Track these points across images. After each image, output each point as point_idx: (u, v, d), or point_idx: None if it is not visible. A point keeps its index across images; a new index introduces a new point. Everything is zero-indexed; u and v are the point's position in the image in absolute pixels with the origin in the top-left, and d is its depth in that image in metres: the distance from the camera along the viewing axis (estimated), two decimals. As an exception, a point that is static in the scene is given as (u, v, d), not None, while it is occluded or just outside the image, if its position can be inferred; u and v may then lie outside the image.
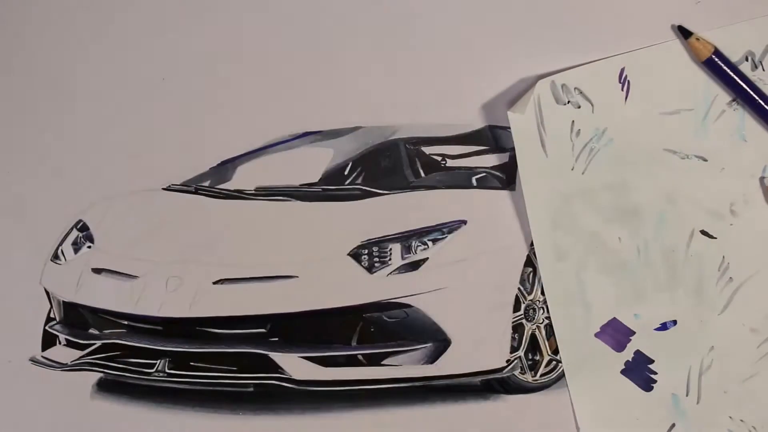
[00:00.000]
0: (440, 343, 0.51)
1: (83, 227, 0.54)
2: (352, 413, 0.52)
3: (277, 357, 0.52)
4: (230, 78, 0.53)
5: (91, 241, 0.54)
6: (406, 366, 0.51)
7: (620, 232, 0.50)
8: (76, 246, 0.54)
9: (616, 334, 0.50)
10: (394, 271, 0.51)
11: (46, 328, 0.54)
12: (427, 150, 0.52)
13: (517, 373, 0.51)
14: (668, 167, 0.50)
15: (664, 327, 0.50)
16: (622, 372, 0.50)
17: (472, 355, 0.51)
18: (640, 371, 0.50)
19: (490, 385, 0.52)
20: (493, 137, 0.52)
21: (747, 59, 0.49)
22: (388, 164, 0.52)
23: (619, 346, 0.50)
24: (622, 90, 0.50)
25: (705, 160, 0.50)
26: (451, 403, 0.51)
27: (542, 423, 0.52)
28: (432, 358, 0.51)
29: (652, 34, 0.50)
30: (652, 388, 0.50)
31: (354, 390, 0.52)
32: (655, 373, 0.50)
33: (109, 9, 0.53)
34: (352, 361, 0.52)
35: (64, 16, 0.53)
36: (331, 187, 0.53)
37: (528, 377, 0.52)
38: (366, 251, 0.51)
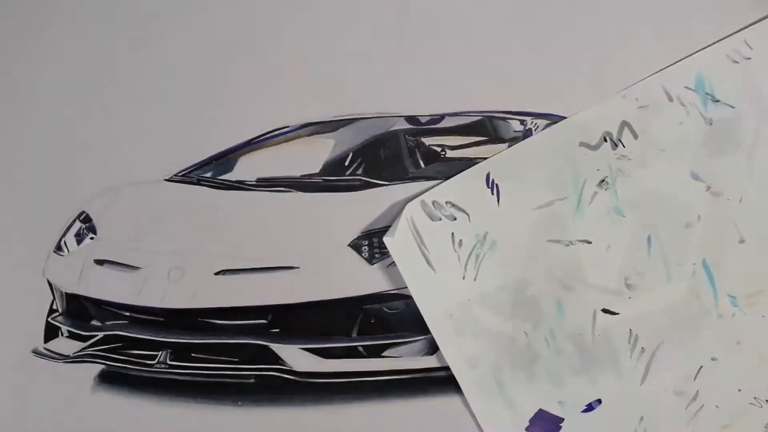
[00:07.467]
0: (440, 333, 0.51)
1: (86, 218, 0.54)
2: (353, 404, 0.52)
3: (278, 348, 0.52)
4: (230, 69, 0.53)
5: (94, 232, 0.54)
6: (406, 357, 0.51)
7: (524, 327, 0.50)
8: (79, 237, 0.54)
9: (545, 424, 0.50)
10: (394, 262, 0.51)
11: (49, 319, 0.54)
12: (427, 141, 0.52)
13: (517, 364, 0.51)
14: (555, 256, 0.50)
15: (590, 408, 0.50)
16: None
17: (471, 345, 0.51)
18: None
19: (489, 376, 0.52)
20: (492, 128, 0.52)
21: (606, 140, 0.50)
22: (388, 155, 0.53)
23: None
24: (493, 194, 0.50)
25: (590, 243, 0.50)
26: (451, 394, 0.51)
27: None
28: (432, 350, 0.51)
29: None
30: None
31: (354, 381, 0.52)
32: None
33: (108, 3, 0.54)
34: (352, 353, 0.52)
35: (64, 10, 0.54)
36: (332, 178, 0.53)
37: (528, 369, 0.52)
38: (366, 242, 0.52)
